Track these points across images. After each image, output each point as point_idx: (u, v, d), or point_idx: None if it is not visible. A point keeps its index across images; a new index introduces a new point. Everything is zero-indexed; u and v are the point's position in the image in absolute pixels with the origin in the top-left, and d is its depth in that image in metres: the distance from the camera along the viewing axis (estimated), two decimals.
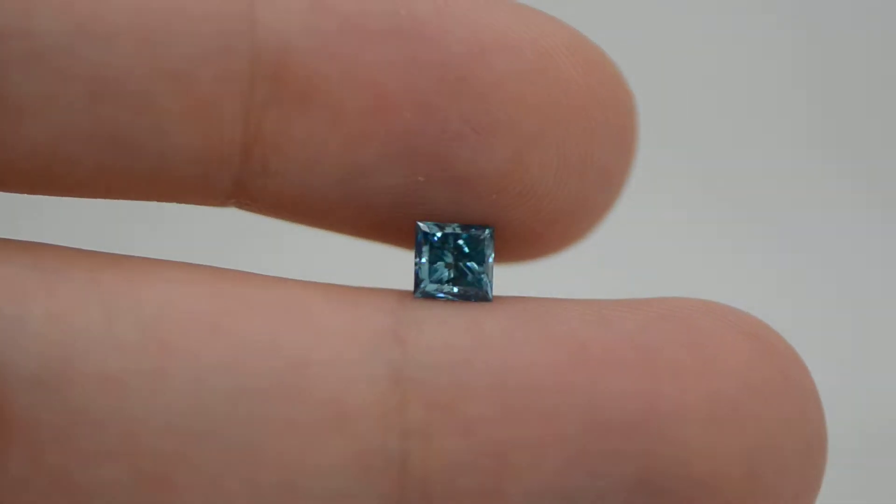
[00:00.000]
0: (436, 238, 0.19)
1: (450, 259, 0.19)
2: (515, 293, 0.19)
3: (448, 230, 0.19)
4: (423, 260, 0.19)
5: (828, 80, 0.48)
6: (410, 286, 0.19)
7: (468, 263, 0.19)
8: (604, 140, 0.19)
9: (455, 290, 0.19)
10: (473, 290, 0.19)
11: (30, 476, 0.17)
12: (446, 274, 0.19)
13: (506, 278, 0.20)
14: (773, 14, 0.48)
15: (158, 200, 0.19)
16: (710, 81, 0.48)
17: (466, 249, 0.19)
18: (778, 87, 0.48)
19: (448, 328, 0.18)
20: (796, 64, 0.48)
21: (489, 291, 0.19)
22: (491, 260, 0.19)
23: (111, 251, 0.18)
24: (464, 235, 0.19)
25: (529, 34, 0.18)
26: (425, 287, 0.19)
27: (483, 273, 0.19)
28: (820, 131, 0.47)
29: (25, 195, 0.18)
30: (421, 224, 0.19)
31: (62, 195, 0.18)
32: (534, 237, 0.19)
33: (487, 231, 0.19)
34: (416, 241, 0.19)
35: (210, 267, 0.18)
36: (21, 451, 0.17)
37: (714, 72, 0.48)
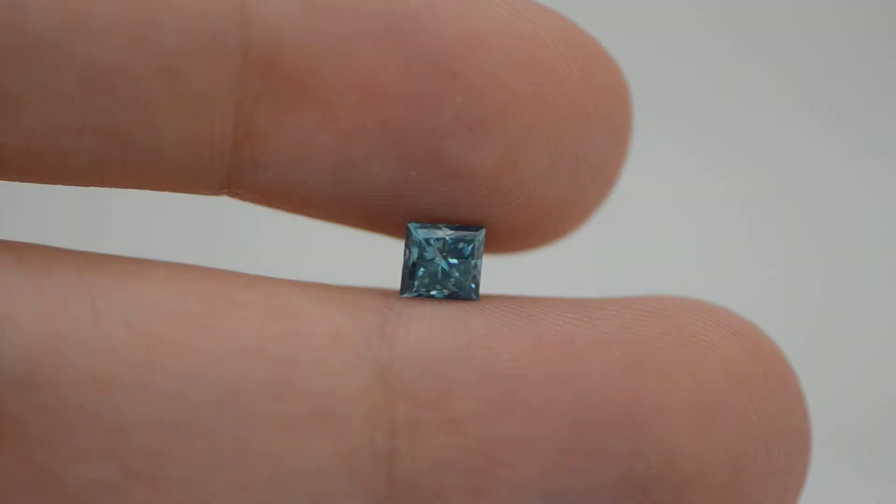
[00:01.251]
0: (425, 238, 0.19)
1: (438, 259, 0.19)
2: (502, 290, 0.19)
3: (438, 231, 0.19)
4: (412, 260, 0.19)
5: (831, 71, 0.48)
6: (398, 279, 0.19)
7: (456, 264, 0.19)
8: (597, 135, 0.19)
9: (442, 290, 0.19)
10: (461, 292, 0.19)
11: (19, 475, 0.17)
12: (434, 274, 0.19)
13: (492, 275, 0.20)
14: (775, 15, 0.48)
15: (151, 189, 0.19)
16: (704, 74, 0.48)
17: (455, 250, 0.19)
18: (775, 75, 0.48)
19: (435, 326, 0.18)
20: (794, 55, 0.48)
21: (476, 293, 0.19)
22: (480, 261, 0.19)
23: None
24: (454, 236, 0.19)
25: (524, 28, 0.18)
26: (413, 287, 0.19)
27: (471, 274, 0.19)
28: (818, 129, 0.47)
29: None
30: (411, 224, 0.19)
31: (54, 183, 0.18)
32: (524, 231, 0.19)
33: (478, 232, 0.19)
34: (406, 241, 0.19)
35: (197, 266, 0.18)
36: (10, 449, 0.17)
37: (706, 67, 0.48)
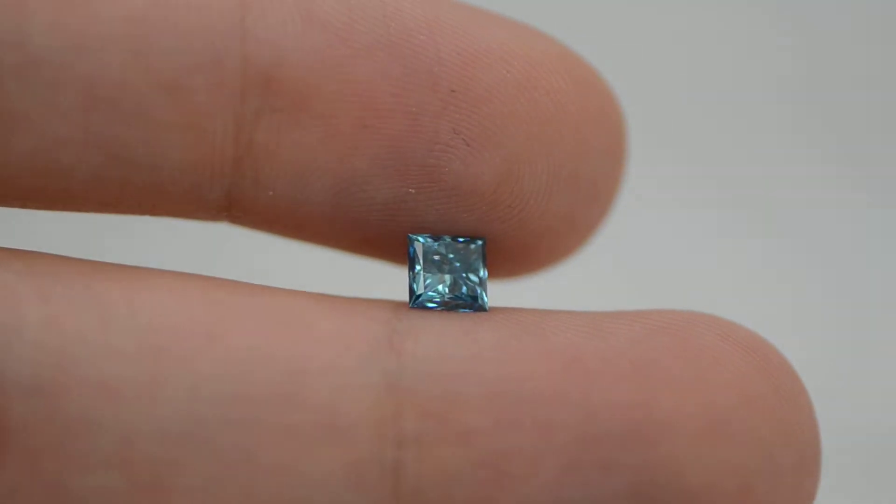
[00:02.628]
0: (428, 249, 0.19)
1: (443, 270, 0.19)
2: (511, 305, 0.19)
3: (440, 242, 0.19)
4: (417, 271, 0.19)
5: (826, 81, 0.48)
6: (406, 295, 0.19)
7: (462, 274, 0.19)
8: (594, 154, 0.19)
9: (450, 300, 0.19)
10: (468, 301, 0.19)
11: (25, 483, 0.17)
12: (441, 285, 0.19)
13: (501, 290, 0.20)
14: (770, 15, 0.49)
15: (151, 214, 0.19)
16: (704, 88, 0.48)
17: (459, 260, 0.19)
18: (773, 91, 0.48)
19: (443, 338, 0.18)
20: (792, 65, 0.48)
21: (484, 301, 0.19)
22: (484, 270, 0.19)
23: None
24: (456, 246, 0.19)
25: (520, 48, 0.19)
26: (420, 298, 0.19)
27: (477, 283, 0.19)
28: (818, 135, 0.47)
29: (19, 209, 0.18)
30: (412, 236, 0.19)
31: (55, 209, 0.18)
32: (525, 251, 0.20)
33: (479, 242, 0.19)
34: (409, 254, 0.19)
35: (205, 276, 0.18)
36: (16, 458, 0.16)
37: (708, 78, 0.48)
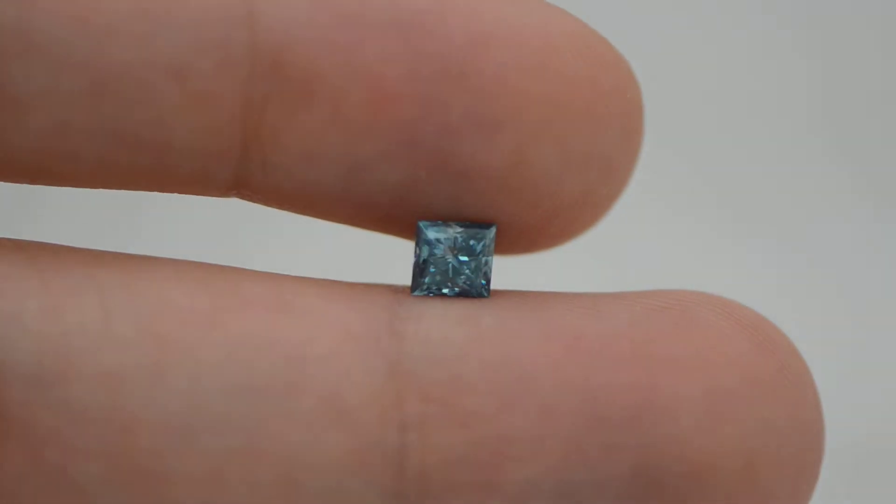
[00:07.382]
0: (435, 237, 0.19)
1: (449, 258, 0.19)
2: (512, 287, 0.19)
3: (448, 229, 0.19)
4: (422, 258, 0.19)
5: (830, 79, 0.48)
6: (409, 278, 0.19)
7: (467, 262, 0.19)
8: (608, 135, 0.19)
9: (453, 289, 0.19)
10: (471, 290, 0.19)
11: (27, 473, 0.17)
12: (445, 272, 0.19)
13: (503, 272, 0.20)
14: (777, 13, 0.48)
15: (159, 191, 0.19)
16: (713, 77, 0.48)
17: (466, 248, 0.19)
18: (780, 84, 0.48)
19: (444, 322, 0.18)
20: (798, 61, 0.48)
21: (487, 290, 0.19)
22: (491, 259, 0.19)
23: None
24: (464, 234, 0.19)
25: (533, 25, 0.18)
26: (423, 285, 0.19)
27: (481, 272, 0.19)
28: (822, 128, 0.47)
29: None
30: (421, 223, 0.19)
31: (63, 185, 0.18)
32: (535, 231, 0.19)
33: (489, 230, 0.19)
34: (416, 240, 0.19)
35: (206, 263, 0.18)
36: (18, 447, 0.17)
37: (717, 67, 0.48)
